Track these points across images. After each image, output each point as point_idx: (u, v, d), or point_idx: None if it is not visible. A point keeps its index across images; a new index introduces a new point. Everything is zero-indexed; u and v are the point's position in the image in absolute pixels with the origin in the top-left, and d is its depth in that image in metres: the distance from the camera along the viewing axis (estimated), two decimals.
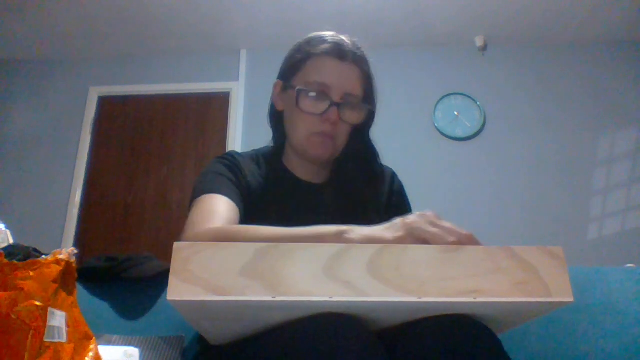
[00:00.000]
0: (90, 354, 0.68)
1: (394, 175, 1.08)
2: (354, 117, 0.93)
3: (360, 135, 0.98)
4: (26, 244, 1.37)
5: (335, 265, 0.48)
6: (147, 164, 3.39)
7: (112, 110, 3.55)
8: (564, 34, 3.30)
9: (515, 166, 3.14)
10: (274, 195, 0.94)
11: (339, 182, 0.99)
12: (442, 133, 3.26)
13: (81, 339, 0.69)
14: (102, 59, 3.63)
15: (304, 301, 0.48)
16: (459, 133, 3.26)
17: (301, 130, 0.92)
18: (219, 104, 3.46)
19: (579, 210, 3.03)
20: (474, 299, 0.49)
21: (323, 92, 0.89)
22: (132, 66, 3.60)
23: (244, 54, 3.54)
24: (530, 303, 0.50)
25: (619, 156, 3.13)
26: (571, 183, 3.07)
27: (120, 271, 1.45)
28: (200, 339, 0.91)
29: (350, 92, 0.91)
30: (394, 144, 3.28)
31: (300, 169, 1.01)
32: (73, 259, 0.69)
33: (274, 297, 0.47)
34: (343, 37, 0.94)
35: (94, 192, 3.35)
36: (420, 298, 0.48)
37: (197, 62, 3.56)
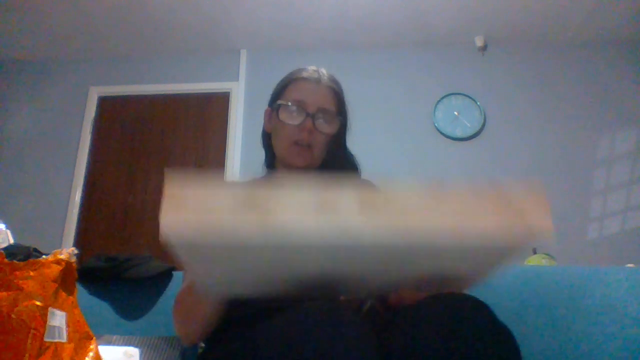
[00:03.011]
0: (91, 354, 0.68)
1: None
2: (327, 127, 1.05)
3: (337, 147, 1.11)
4: (26, 244, 1.38)
5: (326, 204, 0.50)
6: (147, 164, 3.39)
7: (112, 110, 3.55)
8: (564, 34, 3.30)
9: (515, 166, 3.14)
10: None
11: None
12: (442, 133, 3.26)
13: (81, 339, 0.69)
14: (102, 59, 3.63)
15: (293, 231, 0.49)
16: (459, 133, 3.26)
17: (283, 141, 1.06)
18: (219, 104, 3.46)
19: (579, 210, 3.03)
20: (456, 224, 0.52)
21: (300, 107, 1.04)
22: (132, 66, 3.60)
23: (244, 54, 3.54)
24: (508, 230, 0.53)
25: (619, 156, 3.13)
26: (571, 183, 3.07)
27: (120, 271, 1.45)
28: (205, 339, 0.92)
29: (324, 107, 1.05)
30: (394, 144, 3.29)
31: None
32: (73, 259, 0.69)
33: (265, 233, 0.48)
34: (322, 69, 1.12)
35: (94, 192, 3.35)
36: (407, 225, 0.51)
37: (197, 62, 3.56)
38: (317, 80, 1.08)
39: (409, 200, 0.53)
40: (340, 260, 0.58)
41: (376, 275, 0.66)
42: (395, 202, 0.52)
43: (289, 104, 1.05)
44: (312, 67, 1.11)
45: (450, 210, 0.53)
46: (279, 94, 1.11)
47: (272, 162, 1.16)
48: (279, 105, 1.06)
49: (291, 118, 1.04)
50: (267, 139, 1.16)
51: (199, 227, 0.48)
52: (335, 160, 1.11)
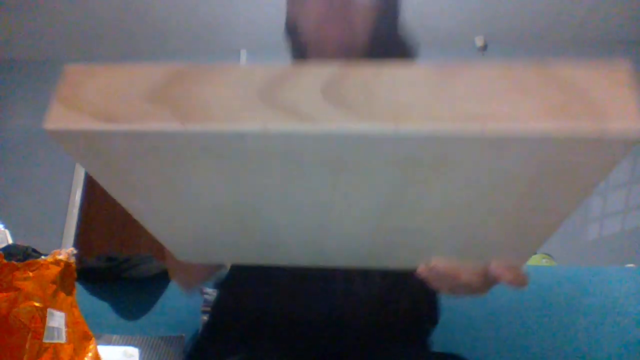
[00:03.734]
0: (90, 354, 0.68)
1: None
2: None
3: (388, 26, 0.85)
4: (25, 244, 1.38)
5: (277, 89, 0.33)
6: None
7: None
8: (564, 33, 3.30)
9: None
10: None
11: None
12: None
13: (81, 340, 0.69)
14: (102, 59, 3.63)
15: (227, 134, 0.33)
16: None
17: (311, 18, 0.80)
18: None
19: (579, 210, 3.03)
20: (482, 127, 0.30)
21: None
22: None
23: (244, 54, 3.54)
24: (574, 137, 0.31)
25: None
26: None
27: (120, 271, 1.45)
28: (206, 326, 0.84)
29: None
30: None
31: None
32: (72, 260, 0.69)
33: (184, 126, 0.32)
34: None
35: (94, 192, 3.35)
36: (397, 127, 0.31)
37: (197, 62, 3.55)
38: None
39: (400, 83, 0.33)
40: (312, 187, 0.38)
41: (376, 222, 0.44)
42: (379, 86, 0.33)
43: None
44: None
45: (467, 98, 0.32)
46: None
47: (301, 52, 0.87)
48: None
49: None
50: (292, 28, 0.88)
51: (95, 126, 0.34)
52: (388, 43, 0.84)
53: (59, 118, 0.36)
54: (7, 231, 1.45)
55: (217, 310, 0.81)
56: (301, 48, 0.86)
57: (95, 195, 3.34)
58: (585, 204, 3.04)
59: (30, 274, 0.61)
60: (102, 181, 0.44)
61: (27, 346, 0.57)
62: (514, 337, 1.24)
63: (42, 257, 0.65)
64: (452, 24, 3.25)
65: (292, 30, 0.88)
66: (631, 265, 1.62)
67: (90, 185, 3.36)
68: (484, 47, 3.38)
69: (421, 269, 0.50)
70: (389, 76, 0.33)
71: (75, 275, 0.70)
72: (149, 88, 0.35)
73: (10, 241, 1.45)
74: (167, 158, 0.36)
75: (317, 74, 0.33)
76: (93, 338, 0.71)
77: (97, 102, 0.35)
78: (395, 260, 0.52)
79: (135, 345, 1.22)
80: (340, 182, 0.37)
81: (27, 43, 3.48)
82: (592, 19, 3.15)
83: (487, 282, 0.52)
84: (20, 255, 1.27)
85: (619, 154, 0.32)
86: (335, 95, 0.33)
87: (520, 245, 0.48)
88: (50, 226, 3.20)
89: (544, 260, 2.06)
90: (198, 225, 0.48)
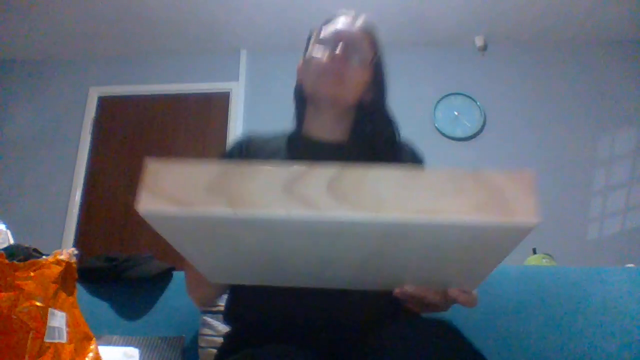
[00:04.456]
0: (90, 354, 0.69)
1: (414, 151, 1.11)
2: (360, 57, 0.99)
3: (375, 101, 1.04)
4: (26, 245, 1.38)
5: (295, 184, 0.49)
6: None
7: (112, 110, 3.55)
8: (564, 33, 3.30)
9: (515, 166, 3.14)
10: (286, 157, 0.99)
11: (357, 138, 1.03)
12: (442, 133, 3.26)
13: (81, 340, 0.69)
14: (102, 59, 3.63)
15: (263, 218, 0.49)
16: (459, 133, 3.26)
17: (313, 73, 0.99)
18: (219, 104, 3.46)
19: (579, 210, 3.03)
20: (431, 218, 0.48)
21: (332, 40, 0.99)
22: (132, 66, 3.60)
23: (244, 54, 3.54)
24: (490, 224, 0.49)
25: (619, 156, 3.13)
26: (571, 183, 3.07)
27: (120, 271, 1.45)
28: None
29: (358, 42, 1.00)
30: None
31: (318, 128, 1.03)
32: (73, 260, 0.69)
33: (235, 213, 0.49)
34: (360, 15, 1.07)
35: (94, 192, 3.35)
36: (377, 215, 0.48)
37: (197, 62, 3.56)
38: (352, 22, 1.03)
39: (382, 181, 0.50)
40: (319, 245, 0.57)
41: (363, 265, 0.64)
42: (366, 182, 0.50)
43: (320, 38, 1.01)
44: (349, 12, 1.07)
45: (425, 195, 0.49)
46: (310, 39, 1.06)
47: (302, 111, 1.08)
48: (309, 39, 1.03)
49: (322, 50, 0.99)
50: (299, 92, 1.09)
51: (171, 209, 0.49)
52: (371, 106, 1.04)
53: (144, 204, 0.50)
54: (8, 231, 1.45)
55: (230, 314, 0.93)
56: (302, 106, 1.07)
57: (95, 195, 3.34)
58: (585, 204, 3.05)
59: (32, 273, 0.61)
60: (170, 238, 0.57)
61: (28, 345, 0.57)
62: (514, 337, 1.24)
63: (44, 257, 0.65)
64: (452, 24, 3.25)
65: (298, 92, 1.08)
66: (631, 265, 1.62)
67: (91, 185, 3.37)
68: (484, 47, 3.38)
69: (396, 292, 0.67)
70: (372, 176, 0.50)
71: (77, 275, 0.70)
72: (209, 180, 0.50)
73: (12, 241, 1.45)
74: (222, 229, 0.53)
75: (323, 173, 0.50)
76: (94, 338, 0.71)
77: (172, 191, 0.50)
78: (376, 284, 0.71)
79: (135, 346, 1.22)
80: (337, 243, 0.55)
81: (27, 43, 3.48)
82: (592, 19, 3.15)
83: (447, 302, 0.68)
84: (21, 255, 1.27)
85: (523, 236, 0.50)
86: (336, 190, 0.49)
87: (468, 279, 0.65)
88: (50, 226, 3.20)
89: (544, 260, 2.06)
90: (236, 264, 0.66)
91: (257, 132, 1.07)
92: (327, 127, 1.03)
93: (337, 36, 0.99)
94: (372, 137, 1.03)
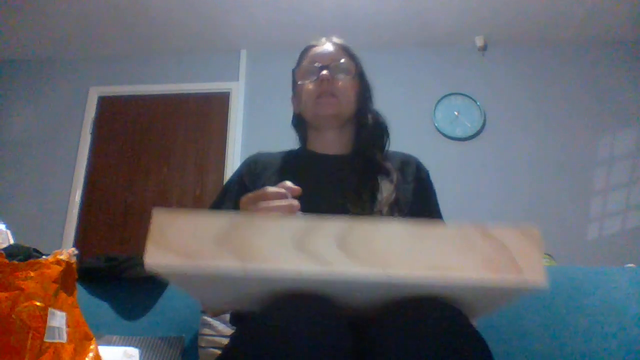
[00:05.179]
0: (91, 354, 0.68)
1: (419, 164, 1.16)
2: (344, 72, 1.08)
3: (364, 103, 1.14)
4: (26, 244, 1.38)
5: (306, 238, 0.49)
6: (147, 164, 3.39)
7: (112, 110, 3.55)
8: (564, 33, 3.30)
9: (515, 166, 3.14)
10: (291, 172, 1.04)
11: (359, 149, 1.10)
12: (442, 133, 3.26)
13: (81, 340, 0.69)
14: (102, 59, 3.63)
15: (273, 274, 0.48)
16: (459, 133, 3.26)
17: (308, 100, 1.08)
18: (219, 104, 3.46)
19: (579, 210, 3.03)
20: (440, 275, 0.48)
21: (313, 64, 1.09)
22: (132, 66, 3.60)
23: (244, 54, 3.54)
24: (498, 282, 0.49)
25: (619, 156, 3.13)
26: (571, 183, 3.07)
27: (120, 271, 1.45)
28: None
29: (336, 58, 1.10)
30: (394, 144, 3.28)
31: (322, 145, 1.11)
32: (73, 260, 0.69)
33: (244, 267, 0.48)
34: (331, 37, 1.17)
35: (94, 192, 3.35)
36: (385, 272, 0.48)
37: (197, 62, 3.56)
38: (325, 42, 1.14)
39: (392, 236, 0.50)
40: (323, 291, 0.57)
41: (364, 303, 0.64)
42: (375, 238, 0.49)
43: (304, 65, 1.11)
44: (319, 39, 1.18)
45: (433, 251, 0.49)
46: (295, 71, 1.15)
47: (305, 135, 1.18)
48: (295, 71, 1.13)
49: (309, 76, 1.09)
50: (298, 120, 1.19)
51: (179, 263, 0.48)
52: (366, 116, 1.12)
53: (151, 257, 0.49)
54: (8, 231, 1.45)
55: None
56: (304, 130, 1.17)
57: (95, 195, 3.34)
58: (585, 204, 3.05)
59: (32, 273, 0.61)
60: (181, 285, 0.58)
61: (28, 345, 0.57)
62: (514, 337, 1.24)
63: (44, 257, 0.65)
64: (452, 24, 3.25)
65: (296, 120, 1.18)
66: (631, 265, 1.62)
67: (91, 185, 3.37)
68: (484, 47, 3.38)
69: None
70: (382, 231, 0.50)
71: (77, 275, 0.70)
72: (217, 233, 0.49)
73: (12, 241, 1.45)
74: (230, 282, 0.52)
75: (333, 227, 0.49)
76: (94, 338, 0.71)
77: (179, 243, 0.49)
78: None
79: (135, 346, 1.22)
80: (346, 291, 0.55)
81: (27, 43, 3.48)
82: (592, 19, 3.15)
83: None
84: (21, 255, 1.27)
85: (529, 293, 0.51)
86: (346, 245, 0.49)
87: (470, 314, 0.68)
88: (51, 226, 3.20)
89: (544, 260, 2.06)
90: (240, 301, 0.65)
91: (263, 151, 1.15)
92: (329, 144, 1.10)
93: (317, 61, 1.08)
94: (372, 148, 1.10)
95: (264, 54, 3.50)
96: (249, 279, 0.50)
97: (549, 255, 2.13)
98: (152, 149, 3.42)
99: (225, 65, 3.52)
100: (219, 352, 1.23)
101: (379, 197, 0.98)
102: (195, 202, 3.25)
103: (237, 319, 0.94)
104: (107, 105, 3.55)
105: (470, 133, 3.25)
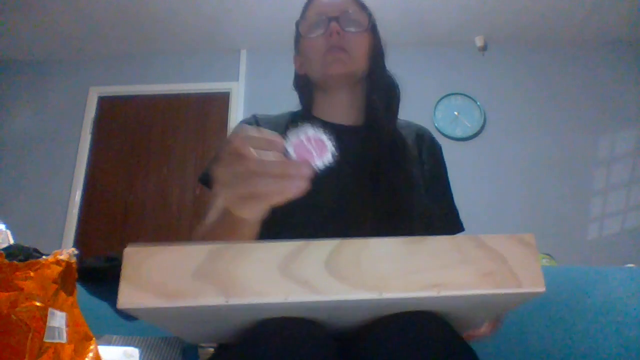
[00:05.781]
0: (90, 354, 0.68)
1: (432, 137, 1.06)
2: (355, 24, 0.94)
3: (377, 60, 0.99)
4: (26, 244, 1.38)
5: (292, 263, 0.46)
6: (147, 164, 3.39)
7: (112, 110, 3.55)
8: (564, 33, 3.30)
9: (515, 166, 3.14)
10: None
11: (373, 122, 0.97)
12: (442, 133, 3.26)
13: (81, 339, 0.69)
14: (102, 59, 3.63)
15: (259, 303, 0.45)
16: (459, 133, 3.26)
17: (315, 57, 0.94)
18: (219, 104, 3.46)
19: (579, 210, 3.03)
20: (437, 293, 0.46)
21: (321, 16, 0.94)
22: (132, 66, 3.60)
23: (244, 54, 3.54)
24: (498, 294, 0.48)
25: (619, 156, 3.13)
26: (571, 183, 3.07)
27: (120, 271, 1.45)
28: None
29: (347, 9, 0.95)
30: None
31: (331, 112, 0.98)
32: (73, 260, 0.69)
33: (227, 301, 0.44)
34: None
35: (94, 192, 3.35)
36: (381, 295, 0.46)
37: (197, 62, 3.56)
38: None
39: (382, 254, 0.47)
40: (312, 315, 0.54)
41: (350, 321, 0.61)
42: (366, 258, 0.47)
43: (310, 21, 0.96)
44: None
45: (427, 268, 0.47)
46: (299, 24, 1.01)
47: (309, 99, 1.03)
48: (299, 23, 0.98)
49: (315, 29, 0.94)
50: (301, 80, 1.05)
51: (156, 304, 0.44)
52: (379, 76, 0.99)
53: (126, 297, 0.45)
54: (8, 231, 1.45)
55: None
56: (309, 92, 1.02)
57: (95, 195, 3.34)
58: (585, 204, 3.05)
59: (32, 273, 0.61)
60: (156, 323, 0.54)
61: (28, 345, 0.57)
62: (514, 337, 1.24)
63: (44, 257, 0.65)
64: (452, 24, 3.25)
65: (300, 81, 1.04)
66: (631, 265, 1.63)
67: (91, 185, 3.37)
68: (484, 47, 3.38)
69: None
70: (372, 249, 0.47)
71: (76, 275, 0.70)
72: (196, 266, 0.45)
73: (12, 241, 1.45)
74: (211, 315, 0.49)
75: (320, 250, 0.46)
76: (93, 338, 0.71)
77: (154, 281, 0.45)
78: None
79: (135, 345, 1.22)
80: (336, 314, 0.53)
81: (27, 43, 3.48)
82: (592, 19, 3.15)
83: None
84: (21, 255, 1.27)
85: (529, 299, 0.49)
86: (335, 268, 0.46)
87: (483, 319, 0.68)
88: (51, 226, 3.20)
89: (544, 260, 2.06)
90: (223, 332, 0.61)
91: (262, 114, 1.03)
92: (340, 111, 0.98)
93: (325, 12, 0.94)
94: (388, 122, 0.97)
95: (264, 54, 3.50)
96: (233, 310, 0.47)
97: (549, 255, 2.13)
98: (152, 149, 3.42)
99: (225, 65, 3.52)
100: None
101: (414, 183, 0.87)
102: (195, 202, 3.25)
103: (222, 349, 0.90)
104: (107, 105, 3.55)
105: (470, 133, 3.25)
